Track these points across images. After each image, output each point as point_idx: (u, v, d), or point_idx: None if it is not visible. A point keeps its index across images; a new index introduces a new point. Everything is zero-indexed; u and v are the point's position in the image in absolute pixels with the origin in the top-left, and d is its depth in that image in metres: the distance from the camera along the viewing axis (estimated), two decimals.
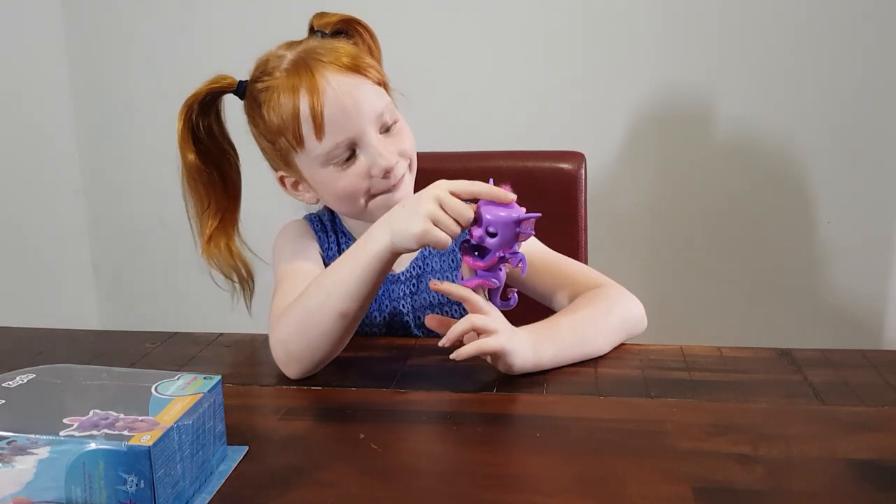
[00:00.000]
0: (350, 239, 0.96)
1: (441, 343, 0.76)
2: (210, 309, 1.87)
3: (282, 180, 0.94)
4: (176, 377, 0.63)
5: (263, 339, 0.89)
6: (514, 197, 0.73)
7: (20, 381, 0.62)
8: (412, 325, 0.96)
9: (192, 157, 0.88)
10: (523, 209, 0.74)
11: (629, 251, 1.67)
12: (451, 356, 0.75)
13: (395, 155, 0.86)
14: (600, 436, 0.67)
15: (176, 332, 0.96)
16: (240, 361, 0.86)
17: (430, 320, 0.79)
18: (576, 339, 0.83)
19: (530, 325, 0.81)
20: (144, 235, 1.88)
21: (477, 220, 0.74)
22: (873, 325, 1.64)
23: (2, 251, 1.69)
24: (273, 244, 0.97)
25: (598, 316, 0.85)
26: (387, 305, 0.95)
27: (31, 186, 1.76)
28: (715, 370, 0.80)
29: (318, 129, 0.83)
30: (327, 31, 0.91)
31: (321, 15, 0.92)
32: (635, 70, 1.59)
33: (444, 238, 0.73)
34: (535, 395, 0.76)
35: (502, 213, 0.73)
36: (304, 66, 0.84)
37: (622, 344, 0.88)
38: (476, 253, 0.76)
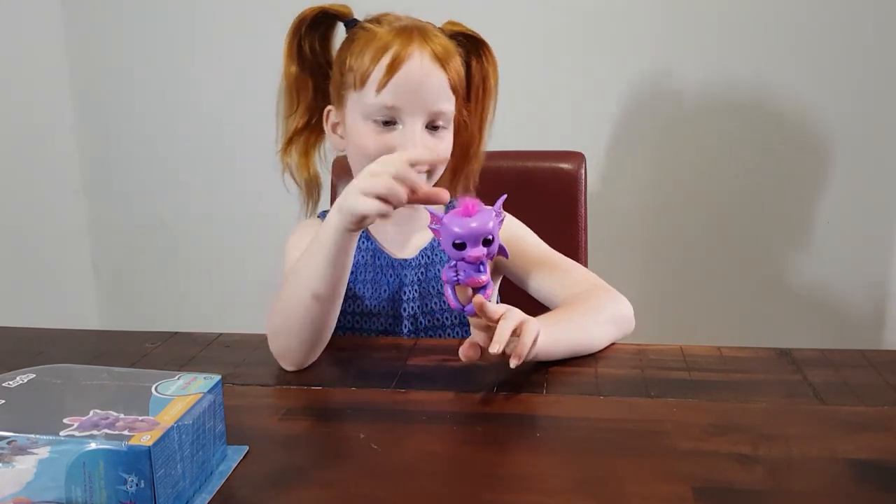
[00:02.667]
0: (361, 234, 0.97)
1: (494, 351, 0.72)
2: (210, 309, 1.88)
3: (327, 115, 0.97)
4: (176, 377, 0.63)
5: (263, 339, 0.90)
6: (446, 197, 0.75)
7: (20, 381, 0.62)
8: (418, 312, 0.97)
9: (293, 68, 0.94)
10: (477, 211, 0.73)
11: (629, 251, 1.67)
12: (512, 365, 0.73)
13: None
14: (600, 436, 0.67)
15: (176, 332, 0.96)
16: (240, 361, 0.86)
17: (468, 352, 0.77)
18: (574, 328, 0.85)
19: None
20: (144, 235, 1.88)
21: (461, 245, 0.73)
22: (873, 325, 1.64)
23: (2, 251, 1.69)
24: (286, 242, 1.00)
25: (592, 311, 0.88)
26: (396, 288, 0.97)
27: (31, 186, 1.76)
28: (715, 370, 0.80)
29: (382, 84, 0.87)
30: (447, 34, 0.95)
31: (453, 23, 0.97)
32: (635, 70, 1.59)
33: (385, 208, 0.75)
34: (535, 395, 0.76)
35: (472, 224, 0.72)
36: (408, 33, 0.89)
37: (620, 344, 0.88)
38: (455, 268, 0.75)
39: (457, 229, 0.72)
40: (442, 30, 0.95)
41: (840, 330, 1.64)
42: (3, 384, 0.61)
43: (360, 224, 0.77)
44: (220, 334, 0.95)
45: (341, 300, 0.84)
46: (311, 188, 0.99)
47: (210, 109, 1.75)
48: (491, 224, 0.72)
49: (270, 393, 0.79)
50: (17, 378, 0.62)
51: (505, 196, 0.75)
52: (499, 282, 1.06)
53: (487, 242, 0.73)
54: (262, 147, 1.71)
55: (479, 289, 0.75)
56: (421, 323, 0.97)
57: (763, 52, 1.55)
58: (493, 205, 0.75)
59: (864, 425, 0.68)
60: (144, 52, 1.76)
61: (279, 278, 0.92)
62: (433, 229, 0.75)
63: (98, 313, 1.95)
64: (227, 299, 1.87)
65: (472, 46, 0.97)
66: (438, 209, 0.77)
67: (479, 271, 0.74)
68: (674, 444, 0.65)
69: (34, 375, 0.63)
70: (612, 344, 0.88)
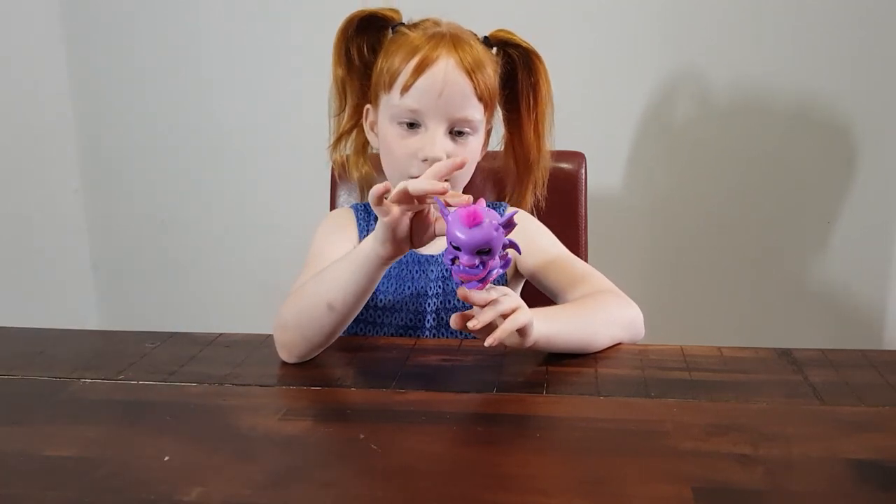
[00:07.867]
0: None
1: (471, 326, 0.72)
2: (210, 309, 1.88)
3: (366, 113, 1.00)
4: None
5: (263, 339, 0.90)
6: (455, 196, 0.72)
7: None
8: (441, 307, 0.98)
9: (340, 70, 0.97)
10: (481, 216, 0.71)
11: (629, 251, 1.67)
12: (486, 343, 0.72)
13: (444, 155, 0.90)
14: (600, 436, 0.67)
15: (176, 332, 0.96)
16: (240, 361, 0.86)
17: (458, 321, 0.76)
18: (577, 323, 0.84)
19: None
20: (144, 235, 1.88)
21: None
22: (873, 325, 1.64)
23: (1, 250, 1.69)
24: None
25: (599, 310, 0.88)
26: (421, 283, 0.98)
27: (31, 185, 1.76)
28: (715, 370, 0.80)
29: (406, 86, 0.89)
30: (491, 43, 0.96)
31: (504, 31, 0.98)
32: (636, 70, 1.59)
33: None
34: (535, 395, 0.76)
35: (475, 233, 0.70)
36: (439, 39, 0.90)
37: (622, 344, 0.88)
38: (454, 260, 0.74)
39: (456, 234, 0.71)
40: (489, 38, 0.96)
41: (840, 330, 1.64)
42: None
43: (393, 242, 0.76)
44: (220, 334, 0.94)
45: (354, 315, 0.83)
46: (364, 186, 1.03)
47: (211, 108, 1.75)
48: (493, 236, 0.70)
49: (270, 393, 0.79)
50: None
51: (516, 211, 0.72)
52: (521, 284, 1.05)
53: (484, 252, 0.72)
54: (262, 147, 1.71)
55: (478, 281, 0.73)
56: (443, 319, 0.98)
57: (762, 52, 1.55)
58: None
59: (864, 425, 0.68)
60: (144, 50, 1.76)
61: (296, 268, 0.92)
62: (442, 212, 0.73)
63: (98, 313, 1.95)
64: (227, 299, 1.87)
65: (521, 56, 0.98)
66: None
67: (475, 268, 0.73)
68: (674, 444, 0.65)
69: None
70: (618, 344, 0.88)
